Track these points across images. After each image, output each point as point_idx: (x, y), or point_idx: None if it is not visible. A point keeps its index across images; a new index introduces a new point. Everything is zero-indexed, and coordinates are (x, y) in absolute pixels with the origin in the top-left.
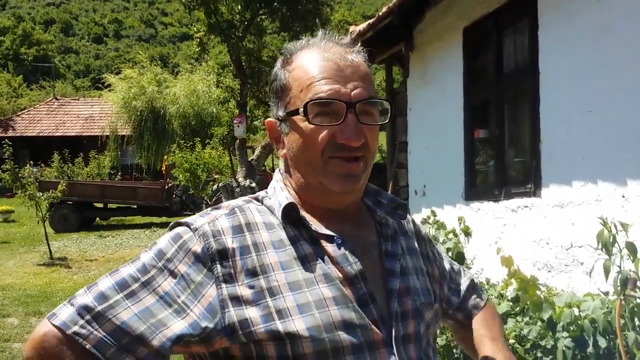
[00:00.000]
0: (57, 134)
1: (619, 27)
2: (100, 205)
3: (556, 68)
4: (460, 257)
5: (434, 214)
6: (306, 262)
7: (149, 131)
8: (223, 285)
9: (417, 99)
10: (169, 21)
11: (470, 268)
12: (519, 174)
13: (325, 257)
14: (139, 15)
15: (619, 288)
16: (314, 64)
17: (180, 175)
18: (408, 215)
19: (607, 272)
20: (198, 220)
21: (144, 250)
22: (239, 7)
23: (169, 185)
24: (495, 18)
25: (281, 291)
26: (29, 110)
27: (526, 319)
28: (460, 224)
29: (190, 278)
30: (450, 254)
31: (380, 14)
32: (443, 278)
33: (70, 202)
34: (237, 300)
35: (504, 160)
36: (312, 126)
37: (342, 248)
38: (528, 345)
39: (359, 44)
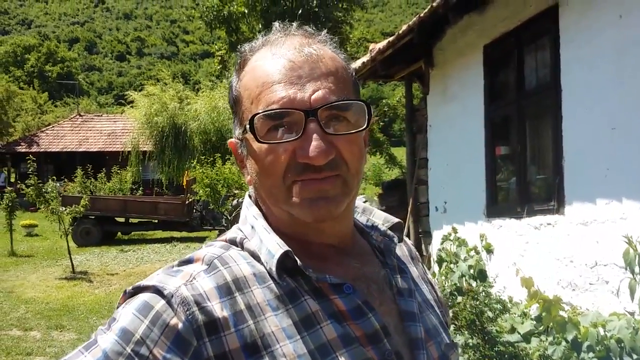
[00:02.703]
0: (80, 150)
1: None
2: (121, 219)
3: (579, 85)
4: (482, 275)
5: (455, 230)
6: (315, 324)
7: (170, 147)
8: None
9: (437, 115)
10: (191, 39)
11: (492, 286)
12: (541, 191)
13: (336, 313)
14: (161, 34)
15: None
16: (263, 66)
17: (201, 191)
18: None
19: (632, 291)
20: (169, 281)
21: (98, 330)
22: (260, 26)
23: (190, 200)
24: (516, 35)
25: None
26: (53, 126)
27: (550, 338)
28: (482, 241)
29: None
30: (471, 271)
31: (401, 32)
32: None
33: (92, 217)
34: None
35: (526, 177)
36: (264, 146)
37: (355, 298)
38: None
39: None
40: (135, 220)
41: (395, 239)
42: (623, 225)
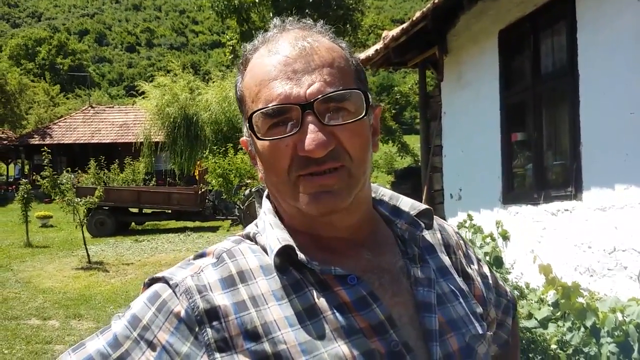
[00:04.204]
0: (93, 141)
1: None
2: (135, 210)
3: (596, 70)
4: (498, 262)
5: (470, 217)
6: (318, 314)
7: (182, 137)
8: (217, 354)
9: (452, 102)
10: (200, 29)
11: (510, 273)
12: (558, 177)
13: (341, 304)
14: (170, 24)
15: None
16: (261, 64)
17: (213, 181)
18: (435, 222)
19: None
20: (178, 273)
21: (114, 316)
22: (270, 15)
23: (202, 190)
24: (532, 20)
25: (292, 356)
26: (65, 119)
27: (568, 324)
28: (498, 227)
29: (174, 349)
30: (488, 258)
31: (414, 18)
32: (488, 290)
33: (107, 208)
34: None
35: (543, 163)
36: (267, 143)
37: (360, 289)
38: (570, 351)
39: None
40: (149, 211)
41: (422, 227)
42: None
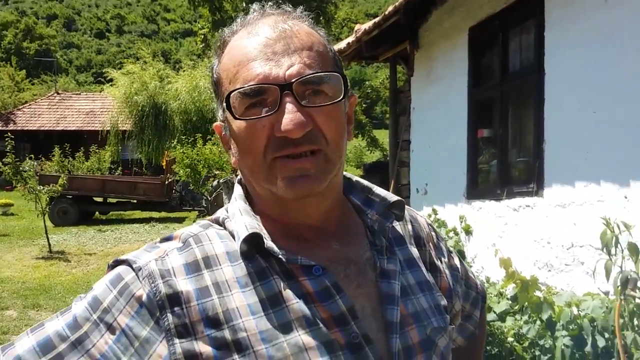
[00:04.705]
0: (58, 128)
1: (626, 28)
2: (99, 199)
3: (561, 68)
4: (460, 256)
5: (435, 212)
6: (281, 303)
7: (150, 126)
8: (176, 340)
9: (421, 97)
10: (172, 17)
11: (471, 267)
12: (521, 173)
13: (305, 294)
14: (141, 11)
15: (619, 288)
16: (239, 45)
17: (181, 171)
18: (407, 213)
19: (608, 272)
20: (142, 256)
21: (77, 297)
22: (243, 4)
23: (169, 180)
24: (502, 18)
25: (251, 344)
26: (30, 105)
27: (525, 317)
28: (461, 222)
29: (133, 333)
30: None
31: (387, 12)
32: (456, 283)
33: (70, 196)
34: (195, 359)
35: (507, 159)
36: (243, 124)
37: (324, 279)
38: (526, 344)
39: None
40: (114, 200)
41: (393, 218)
42: (600, 208)
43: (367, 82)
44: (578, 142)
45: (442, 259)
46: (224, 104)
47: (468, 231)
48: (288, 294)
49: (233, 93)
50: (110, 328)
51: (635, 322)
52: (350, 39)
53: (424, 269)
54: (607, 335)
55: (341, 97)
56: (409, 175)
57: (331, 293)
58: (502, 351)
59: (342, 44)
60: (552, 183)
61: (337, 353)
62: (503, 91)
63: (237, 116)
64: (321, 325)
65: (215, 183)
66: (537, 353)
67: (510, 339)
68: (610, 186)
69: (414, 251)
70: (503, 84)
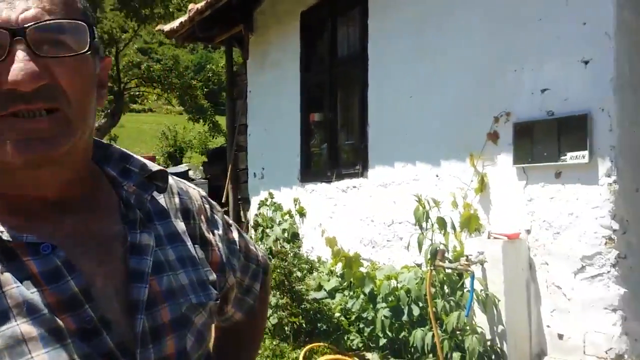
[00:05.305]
0: None
1: (439, 19)
2: None
3: (383, 55)
4: (295, 237)
5: (271, 196)
6: None
7: None
8: None
9: (257, 81)
10: None
11: (300, 247)
12: (349, 156)
13: (29, 276)
14: None
15: (429, 259)
16: None
17: None
18: (171, 184)
19: (420, 245)
20: None
21: None
22: None
23: None
24: (331, 3)
25: None
26: None
27: (351, 292)
28: (295, 205)
29: None
30: (286, 234)
31: None
32: (232, 256)
33: None
34: None
35: (337, 142)
36: None
37: (54, 258)
38: (353, 318)
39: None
40: None
41: (152, 189)
42: (416, 186)
43: (208, 66)
44: (397, 126)
45: (216, 232)
46: None
47: (302, 213)
48: (6, 277)
49: None
50: None
51: (446, 290)
52: (183, 18)
53: (189, 243)
54: (421, 304)
55: (86, 49)
56: (247, 159)
57: (61, 273)
58: (330, 327)
59: (175, 24)
60: (375, 164)
61: (65, 342)
62: (332, 76)
63: None
64: (46, 311)
65: None
66: (361, 326)
67: (337, 314)
68: (424, 166)
69: (180, 225)
70: (332, 69)
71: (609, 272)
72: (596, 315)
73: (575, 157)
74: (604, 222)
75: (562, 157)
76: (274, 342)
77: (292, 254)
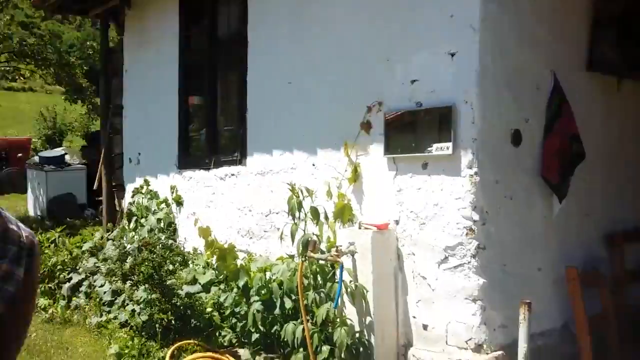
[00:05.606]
0: None
1: (316, 5)
2: None
3: (263, 39)
4: (171, 228)
5: (147, 183)
6: None
7: None
8: None
9: (134, 60)
10: None
11: (173, 238)
12: (228, 142)
13: None
14: None
15: (301, 250)
16: None
17: None
18: None
19: (293, 235)
20: None
21: None
22: None
23: None
24: None
25: None
26: None
27: (225, 286)
28: (172, 193)
29: None
30: (162, 224)
31: None
32: None
33: None
34: None
35: (216, 128)
36: None
37: None
38: (227, 313)
39: None
40: None
41: None
42: (294, 175)
43: (88, 42)
44: (276, 112)
45: None
46: None
47: (179, 202)
48: None
49: None
50: None
51: (319, 281)
52: None
53: None
54: (294, 297)
55: None
56: (122, 144)
57: None
58: (200, 323)
59: None
60: (254, 152)
61: None
62: (212, 58)
63: None
64: None
65: None
66: (234, 321)
67: (209, 310)
68: (301, 154)
69: None
70: (212, 50)
71: (469, 262)
72: (458, 306)
73: (440, 149)
74: (465, 213)
75: (429, 149)
76: (141, 341)
77: (160, 245)
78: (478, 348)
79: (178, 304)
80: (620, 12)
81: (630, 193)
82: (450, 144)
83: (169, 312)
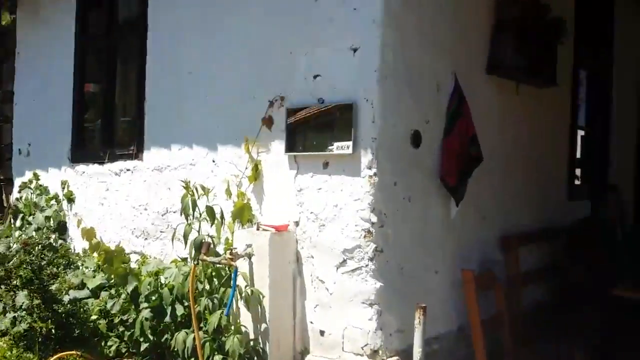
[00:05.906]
0: None
1: None
2: None
3: (164, 24)
4: (62, 227)
5: (36, 177)
6: None
7: None
8: None
9: (27, 41)
10: None
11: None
12: (124, 134)
13: None
14: None
15: (194, 253)
16: None
17: None
18: None
19: (186, 237)
20: None
21: None
22: None
23: None
24: None
25: None
26: None
27: (112, 291)
28: (64, 188)
29: None
30: (51, 222)
31: None
32: None
33: None
34: None
35: (112, 119)
36: None
37: None
38: (116, 320)
39: None
40: None
41: None
42: (193, 172)
43: None
44: (175, 104)
45: None
46: None
47: (70, 198)
48: None
49: None
50: None
51: (215, 286)
52: None
53: None
54: (186, 303)
55: None
56: (12, 133)
57: None
58: (84, 332)
59: None
60: (151, 146)
61: None
62: (111, 43)
63: None
64: None
65: None
66: (122, 329)
67: (94, 317)
68: (201, 150)
69: None
70: (111, 34)
71: (367, 265)
72: (355, 310)
73: (341, 148)
74: (364, 215)
75: (330, 147)
76: (19, 352)
77: (40, 246)
78: (374, 354)
79: (60, 310)
80: (520, 17)
81: (525, 196)
82: (350, 143)
83: (49, 320)
